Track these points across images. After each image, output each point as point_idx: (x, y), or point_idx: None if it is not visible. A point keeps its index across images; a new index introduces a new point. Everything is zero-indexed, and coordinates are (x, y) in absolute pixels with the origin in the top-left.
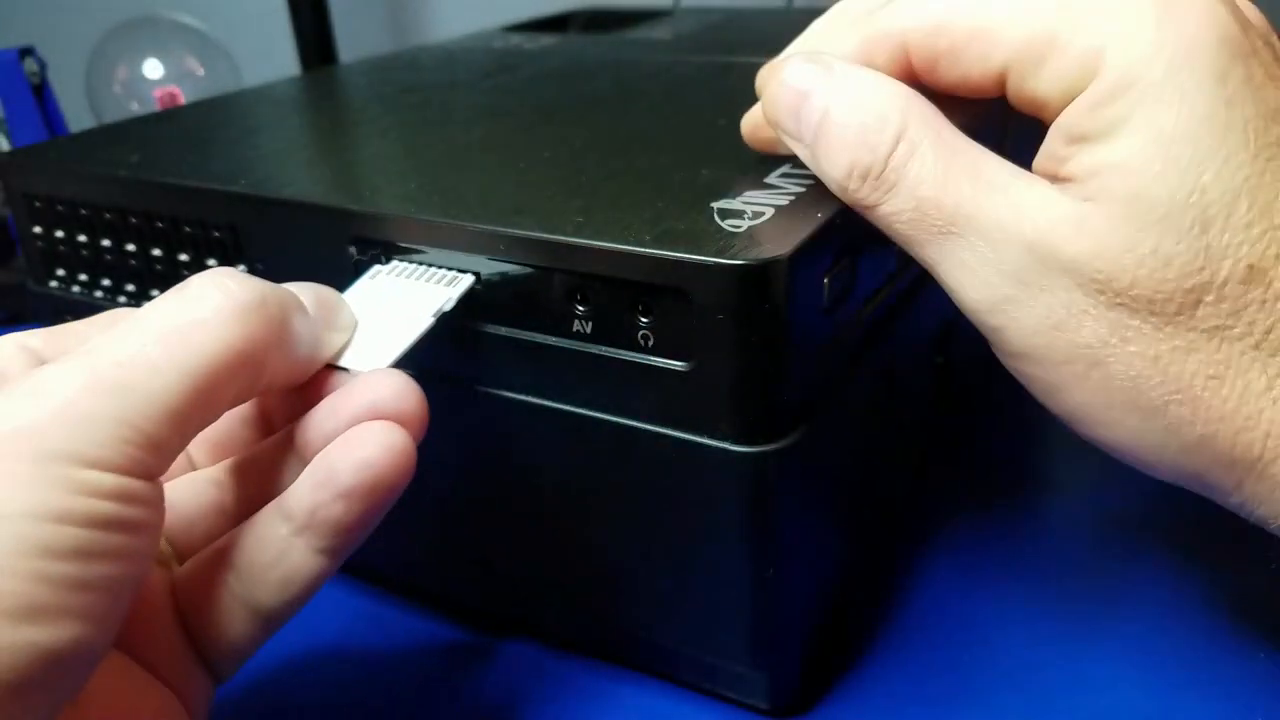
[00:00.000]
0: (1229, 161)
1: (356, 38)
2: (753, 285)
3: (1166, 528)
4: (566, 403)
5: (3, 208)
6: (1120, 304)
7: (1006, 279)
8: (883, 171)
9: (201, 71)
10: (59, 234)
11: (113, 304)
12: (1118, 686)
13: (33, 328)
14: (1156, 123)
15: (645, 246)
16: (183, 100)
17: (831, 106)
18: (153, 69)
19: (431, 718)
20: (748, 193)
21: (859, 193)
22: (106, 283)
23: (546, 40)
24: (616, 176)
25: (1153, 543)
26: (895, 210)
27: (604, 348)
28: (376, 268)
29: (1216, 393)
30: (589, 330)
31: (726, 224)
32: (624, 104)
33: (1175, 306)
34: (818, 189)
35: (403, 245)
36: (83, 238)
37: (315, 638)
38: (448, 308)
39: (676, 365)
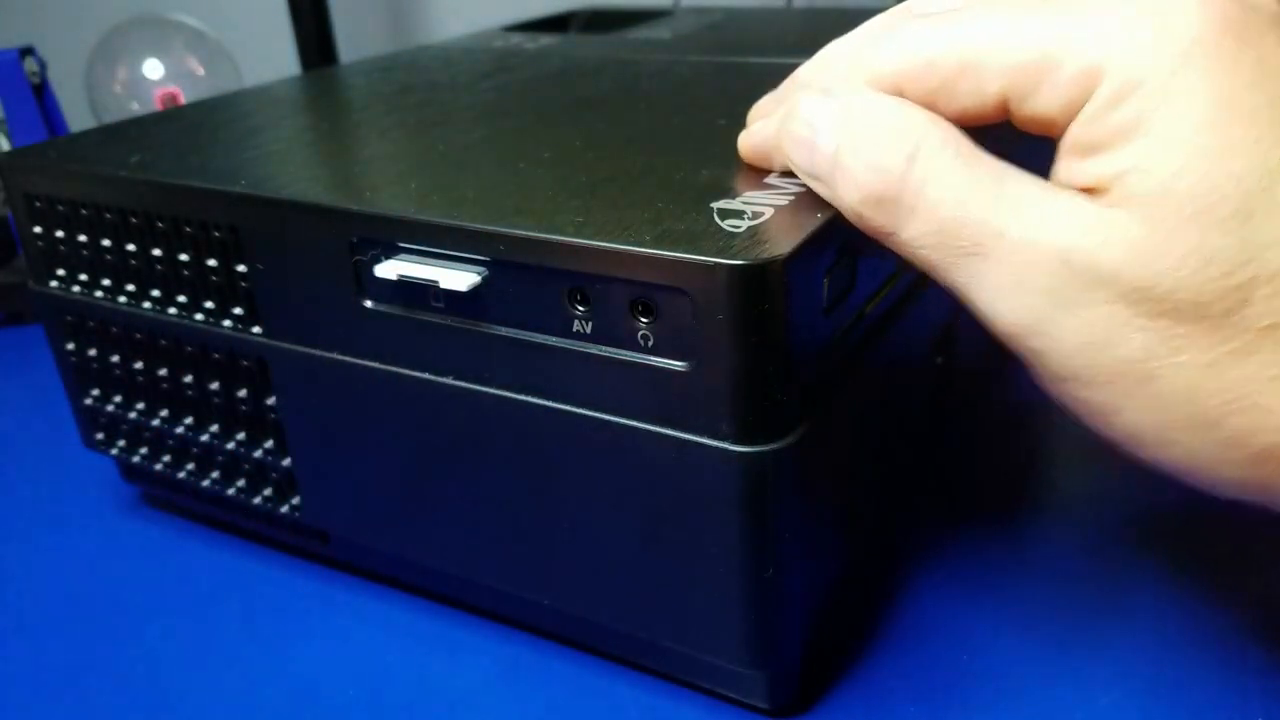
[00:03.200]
0: (1259, 144)
1: (356, 38)
2: (752, 285)
3: (1165, 530)
4: (566, 403)
5: (3, 208)
6: (1164, 312)
7: (1042, 298)
8: (899, 194)
9: (201, 71)
10: (59, 234)
11: (113, 304)
12: (1114, 690)
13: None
14: (1171, 117)
15: (645, 246)
16: (183, 100)
17: (845, 137)
18: (153, 69)
19: (430, 717)
20: (748, 193)
21: (875, 220)
22: (106, 283)
23: (546, 40)
24: (616, 176)
25: (1151, 545)
26: (917, 235)
27: (604, 348)
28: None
29: (1279, 396)
30: (589, 330)
31: (726, 224)
32: (624, 104)
33: (1223, 307)
34: None
35: (402, 245)
36: (83, 238)
37: (318, 636)
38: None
39: (676, 365)
